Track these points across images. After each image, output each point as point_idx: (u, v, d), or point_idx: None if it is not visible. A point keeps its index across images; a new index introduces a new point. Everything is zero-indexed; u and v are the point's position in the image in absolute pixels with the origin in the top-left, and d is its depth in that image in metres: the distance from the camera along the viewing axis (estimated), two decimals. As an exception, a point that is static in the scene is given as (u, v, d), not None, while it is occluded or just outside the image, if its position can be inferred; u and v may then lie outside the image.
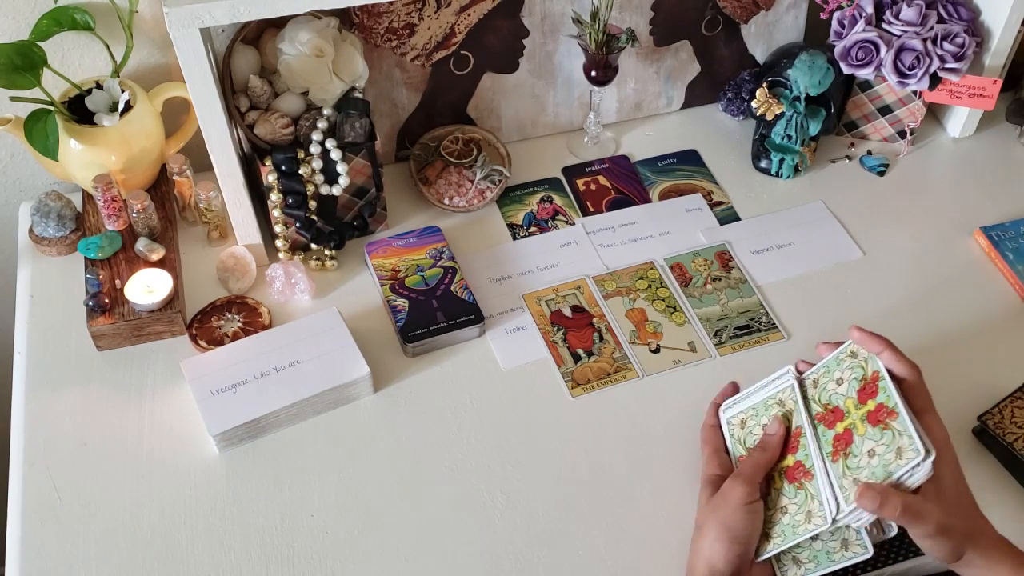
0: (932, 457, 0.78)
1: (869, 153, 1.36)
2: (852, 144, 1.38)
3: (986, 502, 0.97)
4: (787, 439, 0.88)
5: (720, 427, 0.96)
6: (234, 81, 1.11)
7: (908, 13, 1.23)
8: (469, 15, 1.22)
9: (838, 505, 0.81)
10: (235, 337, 1.09)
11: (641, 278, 1.19)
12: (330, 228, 1.18)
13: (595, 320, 1.14)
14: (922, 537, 0.81)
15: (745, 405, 0.94)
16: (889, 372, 0.85)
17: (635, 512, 0.97)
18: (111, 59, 1.13)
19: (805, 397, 0.90)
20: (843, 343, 0.89)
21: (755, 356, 1.11)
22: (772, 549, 0.84)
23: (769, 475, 0.87)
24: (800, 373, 0.92)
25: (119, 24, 1.11)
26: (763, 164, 1.32)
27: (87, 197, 1.21)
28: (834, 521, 0.80)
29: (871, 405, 0.85)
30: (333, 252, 1.19)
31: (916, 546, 0.93)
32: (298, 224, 1.15)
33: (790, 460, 0.87)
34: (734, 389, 0.99)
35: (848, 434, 0.85)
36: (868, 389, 0.86)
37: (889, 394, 0.83)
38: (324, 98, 1.12)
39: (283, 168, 1.11)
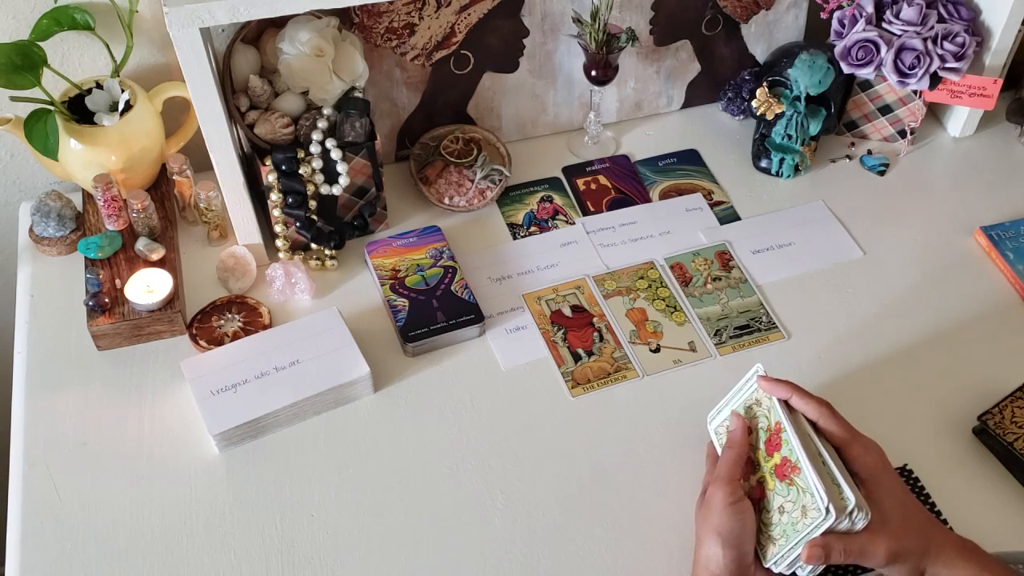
0: (849, 508, 0.79)
1: (869, 153, 1.36)
2: (852, 144, 1.38)
3: (986, 502, 0.98)
4: (771, 438, 0.88)
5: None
6: (234, 81, 1.11)
7: (908, 13, 1.23)
8: (469, 15, 1.22)
9: (838, 502, 0.81)
10: (235, 337, 1.09)
11: (641, 278, 1.19)
12: (330, 228, 1.18)
13: (595, 320, 1.14)
14: (877, 568, 0.82)
15: (727, 413, 0.94)
16: (803, 415, 0.87)
17: (635, 512, 0.97)
18: (111, 59, 1.13)
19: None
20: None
21: (755, 356, 1.11)
22: (779, 551, 0.83)
23: (762, 478, 0.87)
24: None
25: (119, 24, 1.11)
26: (763, 164, 1.32)
27: (87, 197, 1.21)
28: (828, 511, 0.79)
29: (777, 458, 0.85)
30: (333, 252, 1.19)
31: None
32: (298, 224, 1.15)
33: (776, 458, 0.86)
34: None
35: (761, 488, 0.86)
36: (773, 441, 0.87)
37: (791, 447, 0.84)
38: (324, 98, 1.12)
39: (283, 168, 1.11)
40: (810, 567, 0.82)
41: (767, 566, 0.84)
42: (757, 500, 0.86)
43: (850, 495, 0.80)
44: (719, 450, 0.93)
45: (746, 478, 0.88)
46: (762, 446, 0.88)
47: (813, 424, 0.87)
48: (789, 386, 0.88)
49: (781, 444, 0.86)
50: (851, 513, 0.80)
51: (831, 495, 0.80)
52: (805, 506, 0.82)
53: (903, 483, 0.86)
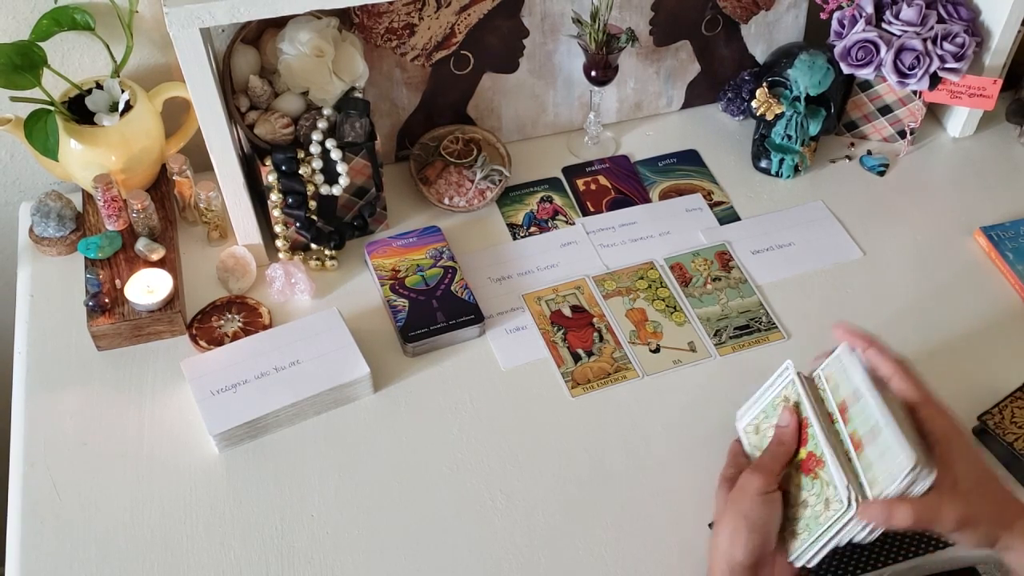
0: (911, 466, 0.77)
1: (869, 153, 1.36)
2: (852, 144, 1.38)
3: (986, 502, 0.97)
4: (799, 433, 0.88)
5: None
6: (234, 81, 1.11)
7: (908, 13, 1.23)
8: (469, 15, 1.22)
9: (850, 491, 0.80)
10: (235, 337, 1.09)
11: (641, 278, 1.19)
12: (330, 228, 1.18)
13: (595, 320, 1.14)
14: (946, 533, 0.80)
15: (756, 411, 0.94)
16: (874, 373, 0.85)
17: (635, 512, 0.97)
18: (111, 59, 1.13)
19: (811, 389, 0.90)
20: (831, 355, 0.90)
21: (755, 356, 1.11)
22: (801, 545, 0.82)
23: (789, 473, 0.87)
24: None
25: (119, 24, 1.11)
26: (763, 164, 1.32)
27: (87, 197, 1.21)
28: (850, 503, 0.78)
29: (803, 453, 0.85)
30: (333, 252, 1.19)
31: (916, 546, 0.94)
32: (298, 224, 1.15)
33: (803, 453, 0.86)
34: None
35: (787, 484, 0.86)
36: (800, 437, 0.87)
37: (816, 441, 0.84)
38: (324, 98, 1.12)
39: (283, 168, 1.11)
40: (867, 531, 0.80)
41: (790, 560, 0.83)
42: (785, 495, 0.85)
43: (912, 453, 0.77)
44: (747, 447, 0.93)
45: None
46: None
47: (884, 384, 0.85)
48: (867, 338, 0.86)
49: (807, 439, 0.86)
50: (914, 470, 0.77)
51: (889, 462, 0.78)
52: (828, 499, 0.81)
53: (978, 451, 0.83)
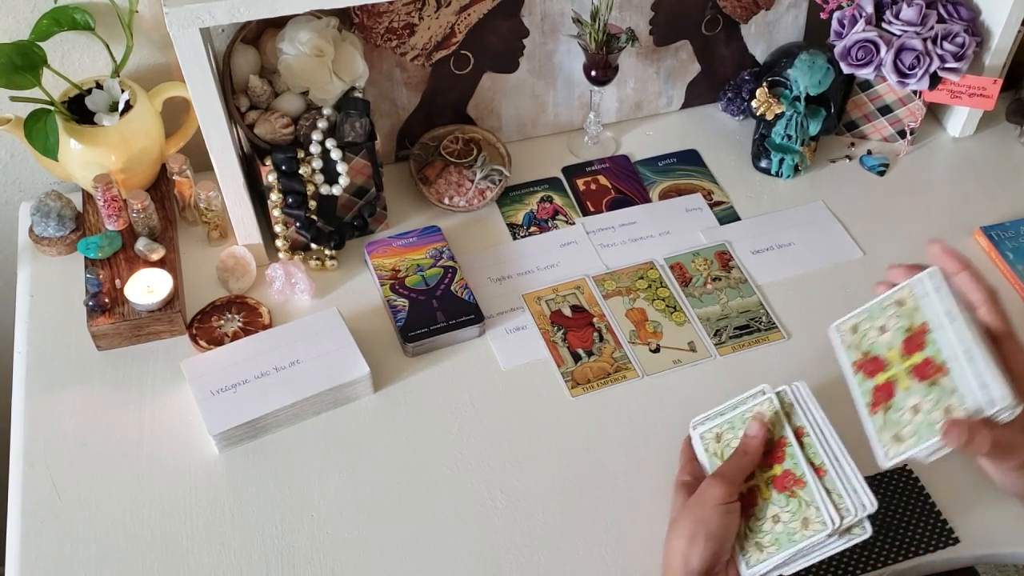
0: (1000, 401, 0.75)
1: (869, 153, 1.36)
2: (852, 144, 1.38)
3: (986, 502, 0.98)
4: (772, 450, 0.88)
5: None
6: (234, 81, 1.11)
7: (908, 13, 1.23)
8: (469, 15, 1.22)
9: (840, 515, 0.81)
10: (235, 337, 1.09)
11: (641, 278, 1.19)
12: (330, 228, 1.18)
13: (595, 320, 1.14)
14: (1008, 470, 0.79)
15: (720, 420, 0.94)
16: (963, 298, 0.83)
17: (635, 511, 0.97)
18: (111, 59, 1.13)
19: (786, 412, 0.89)
20: (917, 269, 0.87)
21: (755, 356, 1.11)
22: (767, 558, 0.83)
23: (755, 486, 0.87)
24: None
25: (119, 24, 1.11)
26: (763, 164, 1.32)
27: (87, 197, 1.21)
28: (835, 527, 0.81)
29: (917, 359, 0.82)
30: (333, 252, 1.19)
31: (915, 546, 0.94)
32: (298, 224, 1.15)
33: (777, 470, 0.86)
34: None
35: (889, 386, 0.83)
36: (915, 341, 0.83)
37: (938, 348, 0.81)
38: (324, 98, 1.12)
39: (283, 168, 1.11)
40: (934, 449, 0.79)
41: (748, 572, 0.84)
42: (746, 507, 0.86)
43: (1007, 387, 0.76)
44: (701, 454, 0.93)
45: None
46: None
47: (974, 310, 0.83)
48: (964, 261, 0.84)
49: (784, 457, 0.86)
50: (1004, 404, 0.76)
51: (976, 389, 0.77)
52: (807, 518, 0.82)
53: None
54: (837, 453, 0.85)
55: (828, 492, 0.83)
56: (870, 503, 0.81)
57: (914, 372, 0.83)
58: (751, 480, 0.88)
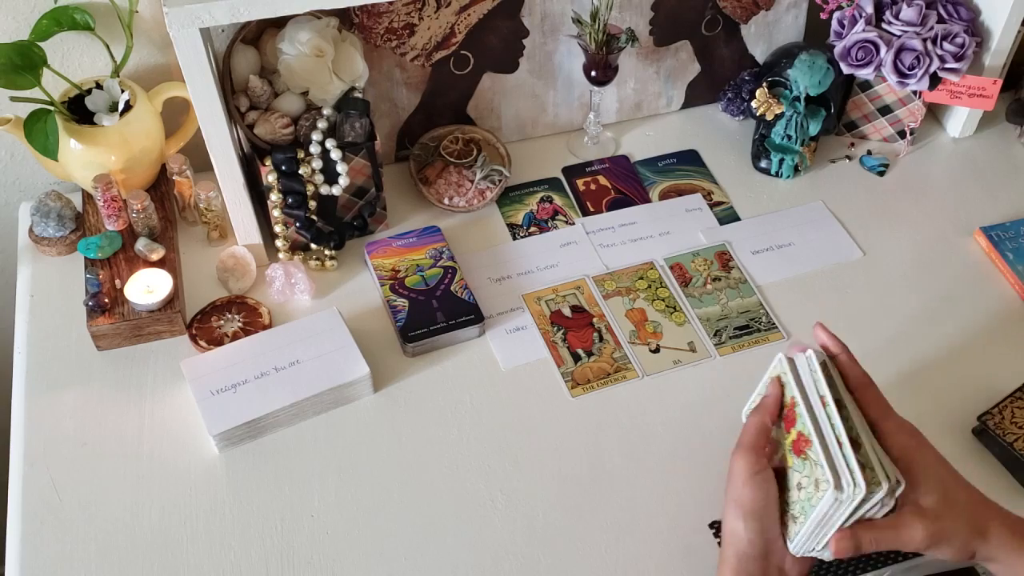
0: (882, 490, 0.76)
1: (869, 153, 1.36)
2: (852, 144, 1.38)
3: (986, 502, 0.97)
4: (786, 414, 0.85)
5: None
6: (234, 81, 1.11)
7: (908, 13, 1.23)
8: (469, 15, 1.22)
9: (838, 475, 0.78)
10: (235, 337, 1.09)
11: (641, 278, 1.19)
12: (330, 228, 1.18)
13: (595, 320, 1.14)
14: (920, 551, 0.78)
15: (753, 398, 0.92)
16: (844, 379, 0.84)
17: (635, 512, 0.97)
18: (111, 59, 1.13)
19: (795, 372, 0.86)
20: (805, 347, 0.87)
21: (755, 356, 1.11)
22: (798, 530, 0.80)
23: (783, 457, 0.84)
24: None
25: (119, 24, 1.11)
26: (763, 164, 1.32)
27: (87, 197, 1.21)
28: (835, 485, 0.77)
29: (793, 434, 0.82)
30: (333, 252, 1.19)
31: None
32: (298, 224, 1.15)
33: (793, 433, 0.83)
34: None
35: (782, 467, 0.83)
36: (789, 417, 0.84)
37: (804, 420, 0.81)
38: (324, 98, 1.12)
39: (283, 168, 1.11)
40: (824, 546, 0.79)
41: (791, 549, 0.81)
42: (780, 480, 0.83)
43: (883, 475, 0.76)
44: None
45: (769, 457, 0.84)
46: (782, 424, 0.85)
47: (853, 392, 0.84)
48: (840, 344, 0.85)
49: (796, 419, 0.83)
50: (880, 493, 0.76)
51: (863, 471, 0.76)
52: (818, 479, 0.79)
53: (944, 461, 0.81)
54: (852, 426, 0.81)
55: (830, 451, 0.79)
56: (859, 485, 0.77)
57: (793, 448, 0.83)
58: (780, 451, 0.84)
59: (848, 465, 0.78)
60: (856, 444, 0.80)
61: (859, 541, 0.77)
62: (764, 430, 0.84)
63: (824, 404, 0.82)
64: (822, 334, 0.87)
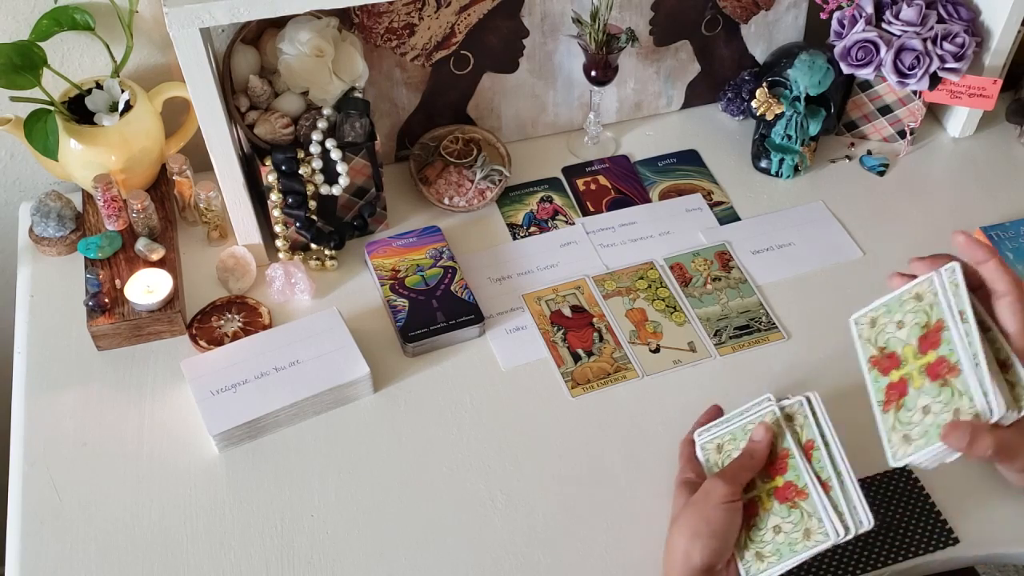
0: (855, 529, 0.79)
1: (869, 153, 1.36)
2: (852, 144, 1.38)
3: (986, 502, 0.98)
4: (774, 461, 0.88)
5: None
6: (234, 81, 1.11)
7: (908, 13, 1.23)
8: (469, 15, 1.22)
9: (845, 526, 0.81)
10: (235, 337, 1.09)
11: (641, 278, 1.19)
12: (330, 228, 1.18)
13: (595, 320, 1.14)
14: (1017, 471, 0.78)
15: (722, 430, 0.93)
16: (982, 288, 0.81)
17: (635, 512, 0.97)
18: (111, 59, 1.13)
19: (790, 422, 0.89)
20: (915, 278, 0.86)
21: (755, 356, 1.11)
22: (767, 567, 0.83)
23: (756, 497, 0.87)
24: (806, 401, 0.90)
25: (119, 24, 1.11)
26: (763, 164, 1.32)
27: (87, 197, 1.21)
28: (840, 538, 0.81)
29: (931, 357, 0.81)
30: (333, 252, 1.19)
31: (915, 546, 0.94)
32: (298, 224, 1.15)
33: (779, 481, 0.86)
34: (717, 412, 0.97)
35: (903, 384, 0.82)
36: (930, 338, 0.82)
37: (952, 347, 0.79)
38: (324, 98, 1.12)
39: (283, 168, 1.11)
40: (935, 454, 0.78)
41: None
42: (746, 516, 0.86)
43: (999, 397, 0.76)
44: (703, 464, 0.93)
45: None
46: (766, 470, 0.88)
47: (994, 302, 0.81)
48: (989, 251, 0.82)
49: (787, 469, 0.86)
50: (999, 415, 0.75)
51: (1012, 390, 0.76)
52: (809, 529, 0.82)
53: None
54: (842, 469, 0.84)
55: (834, 506, 0.82)
56: (867, 520, 0.81)
57: (927, 371, 0.81)
58: (752, 491, 0.87)
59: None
60: (1004, 365, 0.79)
61: (977, 440, 0.75)
62: (752, 473, 0.87)
63: (963, 319, 0.80)
64: (963, 241, 0.83)
